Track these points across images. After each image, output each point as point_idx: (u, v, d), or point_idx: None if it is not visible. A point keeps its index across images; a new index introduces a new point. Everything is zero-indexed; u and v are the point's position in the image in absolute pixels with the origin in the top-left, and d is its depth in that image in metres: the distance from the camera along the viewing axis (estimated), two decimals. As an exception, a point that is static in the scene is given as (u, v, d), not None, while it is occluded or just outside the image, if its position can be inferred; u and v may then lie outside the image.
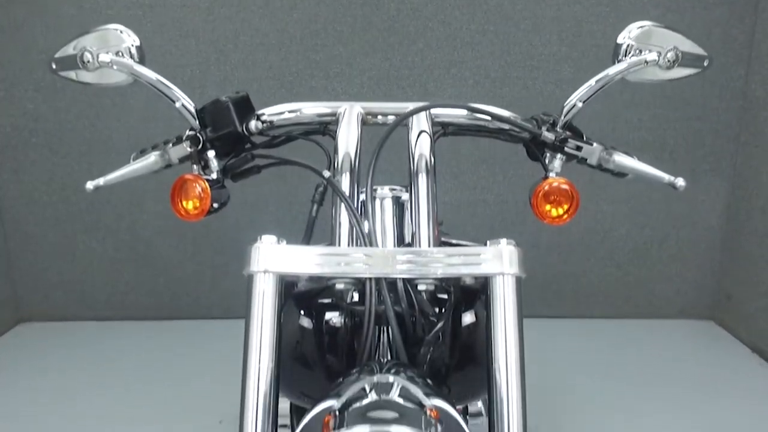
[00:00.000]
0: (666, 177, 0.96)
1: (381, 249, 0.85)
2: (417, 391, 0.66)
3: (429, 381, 0.77)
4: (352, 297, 0.87)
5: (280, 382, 0.77)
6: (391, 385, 0.66)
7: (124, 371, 2.44)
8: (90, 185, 0.99)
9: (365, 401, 0.65)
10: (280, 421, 0.79)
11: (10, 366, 2.50)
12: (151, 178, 2.80)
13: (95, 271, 2.82)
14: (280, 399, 0.79)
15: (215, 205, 0.94)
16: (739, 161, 2.69)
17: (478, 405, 1.33)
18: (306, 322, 0.93)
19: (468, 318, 0.93)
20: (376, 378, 0.68)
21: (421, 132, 0.92)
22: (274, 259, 0.76)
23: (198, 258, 2.81)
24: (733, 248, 2.75)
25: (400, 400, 0.65)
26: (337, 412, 0.64)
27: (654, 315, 2.87)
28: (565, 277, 2.83)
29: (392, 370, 0.72)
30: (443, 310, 0.87)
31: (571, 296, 2.87)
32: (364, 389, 0.66)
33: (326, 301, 0.92)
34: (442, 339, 0.86)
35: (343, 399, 0.65)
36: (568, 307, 2.87)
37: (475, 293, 0.94)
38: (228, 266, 2.77)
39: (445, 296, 0.89)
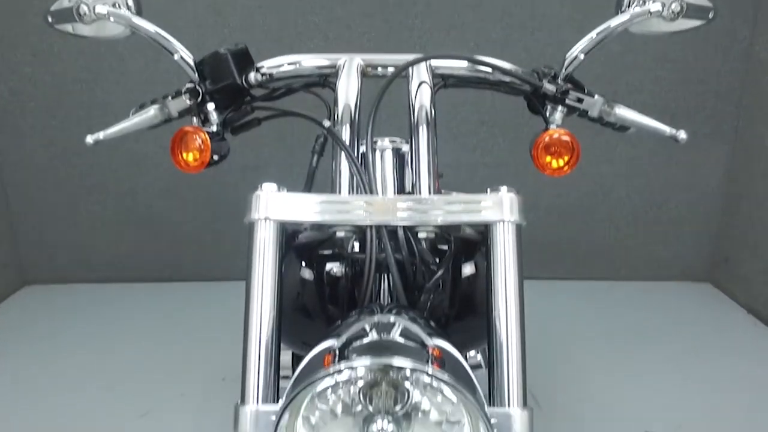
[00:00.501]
0: (668, 130, 0.96)
1: (381, 197, 0.85)
2: (419, 331, 0.66)
3: (431, 323, 0.77)
4: (353, 247, 0.88)
5: (282, 333, 0.77)
6: (392, 324, 0.66)
7: (128, 332, 2.48)
8: (90, 139, 1.00)
9: (366, 340, 0.65)
10: (283, 373, 0.79)
11: (16, 327, 2.54)
12: (151, 141, 2.80)
13: (97, 234, 2.84)
14: (282, 351, 0.79)
15: (215, 158, 0.94)
16: (741, 125, 2.67)
17: (477, 358, 1.36)
18: (307, 274, 0.94)
19: (468, 269, 0.94)
20: (376, 318, 0.68)
21: (421, 83, 0.92)
22: (274, 206, 0.77)
23: (199, 220, 2.82)
24: (733, 211, 2.76)
25: (402, 340, 0.64)
26: (337, 351, 0.64)
27: (652, 277, 2.89)
28: (564, 239, 2.84)
29: (393, 311, 0.72)
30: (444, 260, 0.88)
31: (570, 258, 2.89)
32: (364, 329, 0.66)
33: (327, 252, 0.93)
34: (442, 287, 0.87)
35: (343, 338, 0.65)
36: (566, 269, 2.89)
37: (475, 245, 0.95)
38: (229, 229, 2.79)
39: (446, 247, 0.90)
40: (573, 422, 1.92)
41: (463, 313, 0.95)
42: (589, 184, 2.76)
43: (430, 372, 0.59)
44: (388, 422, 0.60)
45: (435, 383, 0.61)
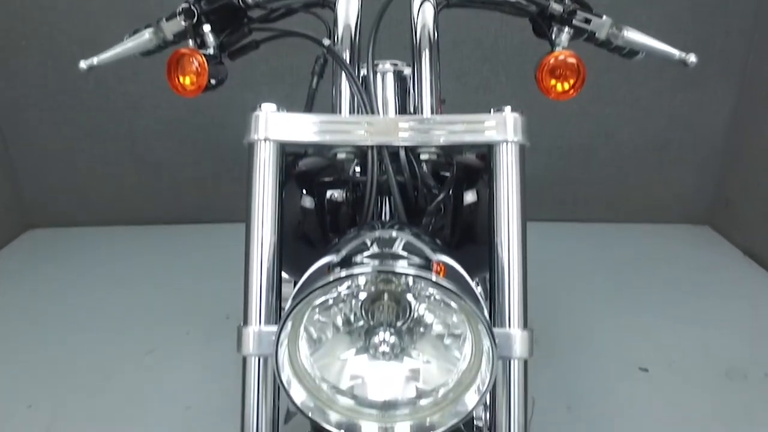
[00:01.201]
0: (677, 53, 0.93)
1: (383, 117, 0.83)
2: (422, 246, 0.63)
3: (437, 240, 0.75)
4: (354, 171, 0.87)
5: (284, 263, 0.76)
6: (395, 239, 0.64)
7: (131, 274, 2.50)
8: (83, 64, 0.96)
9: (367, 253, 0.63)
10: (285, 305, 0.78)
11: (21, 270, 2.56)
12: (148, 83, 2.73)
13: (97, 177, 2.83)
14: (285, 283, 0.78)
15: (213, 82, 0.91)
16: (750, 63, 2.61)
17: (477, 290, 1.37)
18: (308, 202, 0.93)
19: (470, 197, 0.93)
20: (377, 233, 0.66)
21: (423, 2, 0.88)
22: (274, 126, 0.75)
23: (199, 162, 2.80)
24: (736, 153, 2.73)
25: (405, 254, 0.62)
26: (338, 268, 0.62)
27: (651, 220, 2.90)
28: (565, 180, 2.83)
29: (395, 227, 0.70)
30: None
31: (570, 200, 2.89)
32: (364, 243, 0.64)
33: (328, 179, 0.92)
34: (444, 212, 0.86)
35: (343, 253, 0.63)
36: (567, 210, 2.89)
37: (477, 173, 0.94)
38: (230, 171, 2.77)
39: (448, 174, 0.89)
40: (569, 360, 1.96)
41: (464, 240, 0.95)
42: (591, 126, 2.72)
43: (434, 279, 0.57)
44: (390, 334, 0.60)
45: (438, 295, 0.60)
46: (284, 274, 0.79)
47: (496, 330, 0.70)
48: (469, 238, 0.95)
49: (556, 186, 2.82)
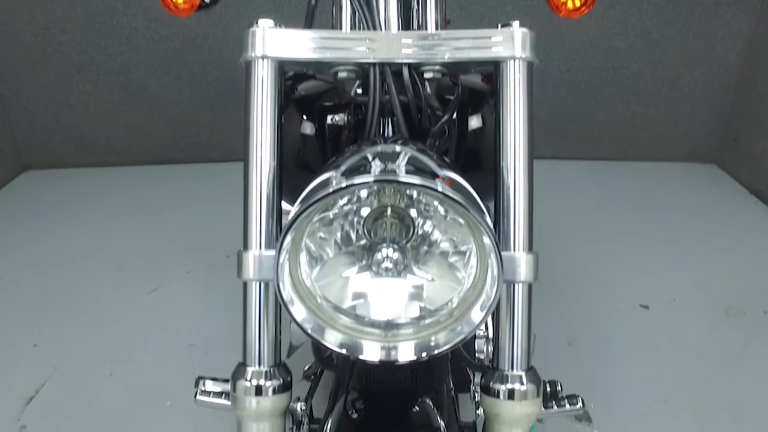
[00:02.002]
0: None
1: (385, 32, 0.79)
2: (428, 162, 0.60)
3: (444, 158, 0.72)
4: (356, 92, 0.83)
5: (284, 192, 0.73)
6: (398, 154, 0.59)
7: (131, 215, 2.48)
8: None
9: (368, 167, 0.58)
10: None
11: (19, 212, 2.54)
12: (141, 14, 2.64)
13: (92, 115, 2.77)
14: (284, 215, 0.74)
15: (206, 0, 0.86)
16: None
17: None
18: (308, 128, 0.90)
19: (475, 121, 0.90)
20: (380, 147, 0.63)
21: None
22: (272, 43, 0.71)
23: (195, 99, 2.73)
24: (748, 88, 2.66)
25: (409, 167, 0.58)
26: (341, 181, 0.57)
27: (658, 158, 2.85)
28: (572, 116, 2.77)
29: (399, 142, 0.67)
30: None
31: (576, 137, 2.83)
32: (366, 158, 0.60)
33: (328, 103, 0.89)
34: (448, 135, 0.83)
35: (343, 168, 0.60)
36: (573, 148, 2.84)
37: (483, 96, 0.90)
38: (227, 107, 2.71)
39: (452, 97, 0.85)
40: (570, 297, 1.98)
41: (468, 166, 0.92)
42: (599, 59, 2.64)
43: (440, 189, 0.54)
44: (393, 251, 0.58)
45: (443, 209, 0.58)
46: (285, 206, 0.77)
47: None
48: (473, 164, 0.92)
49: (561, 122, 2.76)
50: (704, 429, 1.51)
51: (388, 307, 0.62)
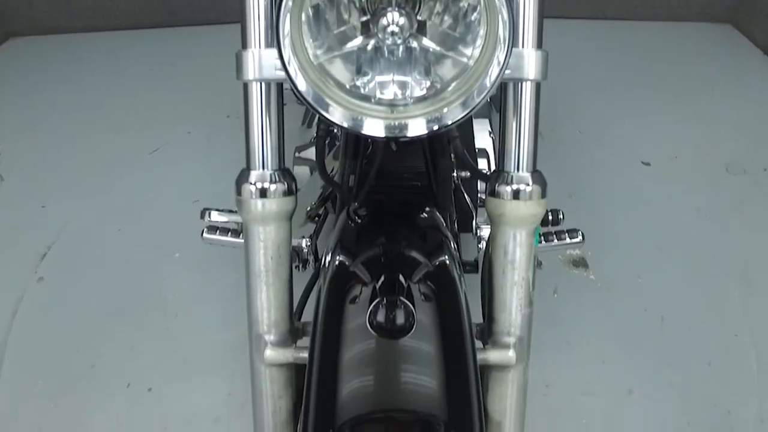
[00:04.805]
0: None
1: None
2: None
3: None
4: None
5: None
6: None
7: (125, 80, 2.41)
8: None
9: None
10: None
11: (8, 81, 2.44)
12: None
13: (74, -26, 2.61)
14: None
15: None
16: None
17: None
18: None
19: None
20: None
21: None
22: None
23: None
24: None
25: None
26: None
27: (671, 17, 2.72)
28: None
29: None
30: None
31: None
32: None
33: None
34: None
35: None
36: (580, 7, 2.70)
37: None
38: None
39: None
40: (571, 152, 1.97)
41: None
42: None
43: None
44: (399, 15, 0.55)
45: None
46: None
47: None
48: None
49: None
50: (694, 272, 1.57)
51: (393, 86, 0.60)
